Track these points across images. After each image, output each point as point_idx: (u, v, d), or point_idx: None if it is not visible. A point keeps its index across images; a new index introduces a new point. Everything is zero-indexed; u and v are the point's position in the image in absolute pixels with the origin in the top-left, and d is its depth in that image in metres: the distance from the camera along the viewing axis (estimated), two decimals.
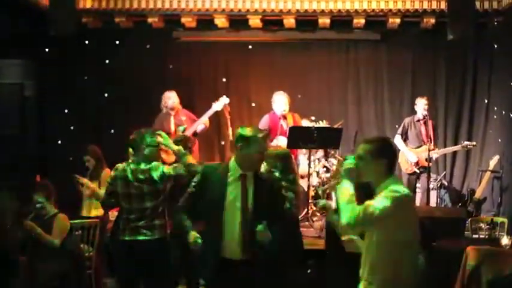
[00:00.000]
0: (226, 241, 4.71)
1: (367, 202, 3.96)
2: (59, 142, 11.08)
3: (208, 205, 4.77)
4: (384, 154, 4.13)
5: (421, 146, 9.75)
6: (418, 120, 9.88)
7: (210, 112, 9.61)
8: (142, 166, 5.85)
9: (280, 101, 9.46)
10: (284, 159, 6.09)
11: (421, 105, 9.75)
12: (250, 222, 4.72)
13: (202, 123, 9.54)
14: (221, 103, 9.61)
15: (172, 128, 9.47)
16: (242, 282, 4.73)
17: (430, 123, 9.73)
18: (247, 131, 4.84)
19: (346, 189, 4.07)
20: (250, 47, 11.41)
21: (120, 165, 5.99)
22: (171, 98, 9.68)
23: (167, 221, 5.94)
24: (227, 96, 10.01)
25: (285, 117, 9.50)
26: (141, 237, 5.82)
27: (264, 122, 9.50)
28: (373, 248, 4.06)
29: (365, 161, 4.12)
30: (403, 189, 4.03)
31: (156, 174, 5.79)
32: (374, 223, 3.95)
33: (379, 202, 3.93)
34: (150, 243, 5.82)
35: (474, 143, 10.26)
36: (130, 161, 5.99)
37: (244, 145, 4.79)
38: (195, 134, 9.48)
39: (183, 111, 9.75)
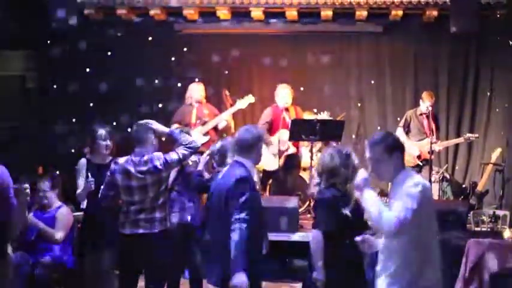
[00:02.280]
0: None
1: (397, 206, 3.97)
2: (61, 134, 11.08)
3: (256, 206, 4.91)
4: (396, 147, 4.18)
5: (423, 139, 9.73)
6: (421, 114, 9.86)
7: (232, 109, 9.51)
8: (145, 157, 5.85)
9: (283, 94, 9.45)
10: None
11: (427, 101, 9.69)
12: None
13: (224, 119, 9.43)
14: (246, 101, 9.51)
15: (193, 120, 9.40)
16: None
17: (431, 115, 9.70)
18: (258, 128, 5.11)
19: (373, 198, 4.07)
20: (252, 39, 11.36)
21: (120, 159, 5.98)
22: (197, 90, 9.58)
23: (167, 214, 5.96)
24: (228, 89, 10.02)
25: (287, 110, 9.49)
26: (140, 231, 5.83)
27: (266, 115, 9.50)
28: (402, 246, 4.05)
29: (383, 161, 4.13)
30: (422, 180, 4.08)
31: (158, 163, 5.79)
32: (411, 223, 3.95)
33: (409, 202, 3.94)
34: (150, 237, 5.82)
35: (476, 135, 10.25)
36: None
37: (262, 142, 5.05)
38: (215, 129, 9.43)
39: (207, 105, 9.66)
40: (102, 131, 6.63)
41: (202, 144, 8.69)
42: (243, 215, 4.60)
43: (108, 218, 6.20)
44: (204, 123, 9.23)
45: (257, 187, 5.06)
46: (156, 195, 5.82)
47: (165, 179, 5.90)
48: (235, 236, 4.56)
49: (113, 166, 5.99)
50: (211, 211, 5.01)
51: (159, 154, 5.88)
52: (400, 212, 3.91)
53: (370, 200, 4.06)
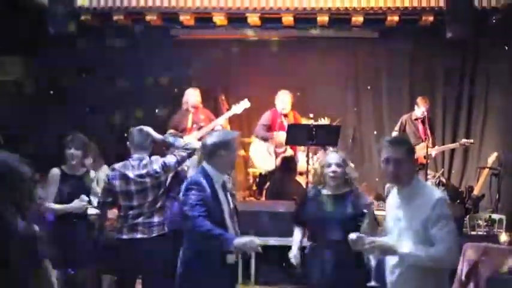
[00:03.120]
0: None
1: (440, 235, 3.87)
2: (57, 139, 11.07)
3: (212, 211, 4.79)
4: (414, 152, 4.18)
5: (418, 144, 9.75)
6: (416, 119, 9.89)
7: (228, 114, 9.56)
8: (144, 161, 5.88)
9: (283, 99, 9.50)
10: None
11: (422, 106, 9.71)
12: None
13: (219, 124, 9.44)
14: (241, 107, 9.55)
15: (189, 125, 9.42)
16: None
17: (426, 120, 9.73)
18: (227, 134, 5.06)
19: (410, 255, 3.91)
20: (248, 45, 11.41)
21: (117, 164, 6.01)
22: (193, 96, 9.62)
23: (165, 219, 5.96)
24: (225, 95, 10.06)
25: (286, 115, 9.53)
26: (138, 236, 5.84)
27: (265, 118, 9.56)
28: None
29: (405, 162, 4.01)
30: (442, 194, 4.09)
31: (157, 166, 5.82)
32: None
33: (447, 222, 3.88)
34: (148, 242, 5.83)
35: (471, 140, 10.28)
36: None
37: (225, 149, 4.84)
38: None
39: (204, 110, 9.69)
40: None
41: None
42: (194, 213, 4.64)
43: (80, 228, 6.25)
44: (199, 128, 9.25)
45: (220, 195, 4.86)
46: (154, 198, 5.85)
47: (164, 183, 5.93)
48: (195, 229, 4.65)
49: (109, 173, 6.02)
50: None
51: (157, 157, 5.91)
52: (449, 242, 3.85)
53: (410, 258, 3.91)
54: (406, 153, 4.03)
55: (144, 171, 5.84)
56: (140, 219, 5.82)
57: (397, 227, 4.03)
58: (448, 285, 4.02)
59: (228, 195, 4.96)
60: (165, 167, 5.84)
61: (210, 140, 4.85)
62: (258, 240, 4.62)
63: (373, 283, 4.06)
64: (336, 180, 5.06)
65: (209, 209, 4.69)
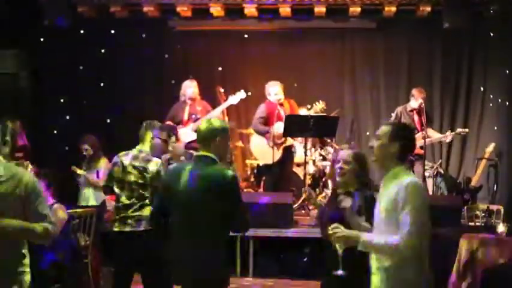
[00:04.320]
0: None
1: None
2: (55, 132, 11.08)
3: None
4: (399, 137, 4.01)
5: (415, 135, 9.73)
6: (411, 110, 9.85)
7: (224, 105, 9.52)
8: (143, 155, 5.90)
9: (274, 91, 9.42)
10: None
11: (418, 97, 9.68)
12: None
13: (215, 116, 9.33)
14: (237, 97, 9.50)
15: (186, 117, 9.40)
16: None
17: (422, 110, 9.69)
18: (223, 122, 4.90)
19: (371, 243, 3.90)
20: (246, 36, 11.42)
21: (121, 152, 6.07)
22: (190, 87, 9.54)
23: None
24: (222, 86, 10.03)
25: (281, 104, 9.49)
26: (127, 229, 5.86)
27: (261, 110, 9.50)
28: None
29: (387, 146, 3.98)
30: (415, 179, 3.92)
31: (151, 168, 5.86)
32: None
33: (413, 208, 3.76)
34: (136, 235, 5.85)
35: (466, 130, 10.24)
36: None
37: (224, 135, 4.64)
38: None
39: (201, 102, 9.62)
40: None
41: (193, 141, 8.78)
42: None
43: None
44: (196, 120, 9.22)
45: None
46: (142, 193, 5.88)
47: (150, 184, 5.90)
48: None
49: (114, 158, 6.10)
50: None
51: (158, 161, 5.94)
52: (410, 230, 3.74)
53: (371, 246, 3.91)
54: (389, 136, 4.00)
55: (139, 164, 5.88)
56: (129, 212, 5.84)
57: (377, 216, 4.02)
58: (430, 275, 3.94)
59: None
60: (154, 176, 5.85)
61: (204, 126, 4.62)
62: None
63: (340, 272, 4.06)
64: (343, 177, 4.84)
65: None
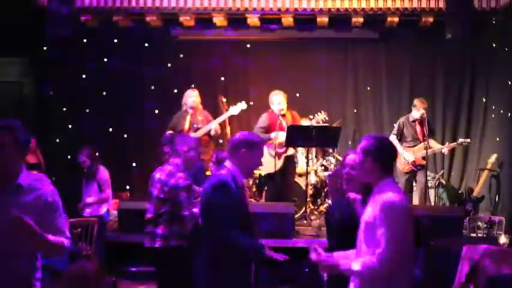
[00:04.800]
0: None
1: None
2: (57, 140, 11.09)
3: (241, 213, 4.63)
4: (370, 153, 3.92)
5: (416, 145, 9.73)
6: (414, 121, 9.83)
7: (224, 116, 9.52)
8: (169, 168, 5.86)
9: (277, 101, 9.41)
10: None
11: (420, 108, 9.66)
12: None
13: (213, 128, 9.33)
14: (238, 108, 9.51)
15: (187, 126, 9.40)
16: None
17: (424, 121, 9.69)
18: (253, 136, 4.81)
19: (345, 269, 3.81)
20: (248, 45, 11.44)
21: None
22: (192, 97, 9.52)
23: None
24: (225, 96, 10.05)
25: (283, 115, 9.48)
26: (147, 245, 5.84)
27: (263, 120, 9.49)
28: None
29: (363, 163, 3.92)
30: (392, 197, 3.78)
31: (171, 181, 5.76)
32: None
33: (388, 228, 3.69)
34: (152, 252, 5.82)
35: (468, 140, 10.23)
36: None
37: (249, 149, 4.63)
38: (210, 136, 9.40)
39: (203, 111, 9.60)
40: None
41: None
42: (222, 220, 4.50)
43: None
44: (196, 130, 9.23)
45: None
46: (159, 209, 5.79)
47: (167, 198, 5.80)
48: None
49: None
50: None
51: (180, 176, 5.82)
52: (384, 249, 3.67)
53: (351, 273, 3.85)
54: (361, 153, 3.95)
55: (164, 178, 5.80)
56: (149, 228, 5.83)
57: (361, 224, 3.95)
58: None
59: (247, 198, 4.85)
60: (173, 189, 5.74)
61: (236, 136, 4.70)
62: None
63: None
64: (350, 183, 4.72)
65: (236, 212, 4.53)
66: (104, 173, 8.45)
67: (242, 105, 9.54)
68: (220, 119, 9.46)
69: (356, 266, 3.74)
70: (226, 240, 4.46)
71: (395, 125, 10.01)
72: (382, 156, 3.95)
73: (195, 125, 9.32)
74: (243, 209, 4.63)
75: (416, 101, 9.79)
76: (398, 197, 3.80)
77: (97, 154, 8.87)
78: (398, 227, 3.70)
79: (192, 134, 9.22)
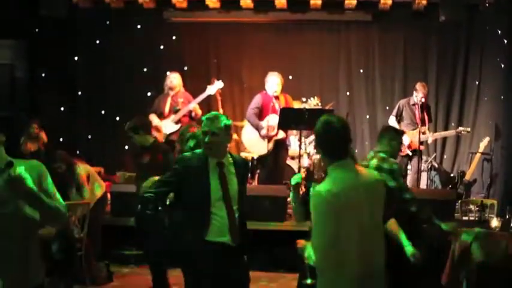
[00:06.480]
0: (215, 228, 4.53)
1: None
2: (50, 123, 11.04)
3: (193, 195, 4.55)
4: (320, 137, 3.88)
5: (415, 129, 9.72)
6: (414, 104, 9.80)
7: (202, 96, 9.51)
8: None
9: (272, 82, 9.38)
10: None
11: (420, 92, 9.62)
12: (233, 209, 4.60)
13: (191, 107, 9.36)
14: (215, 87, 9.52)
15: (167, 109, 9.38)
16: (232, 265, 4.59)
17: (424, 106, 9.68)
18: (228, 119, 4.70)
19: None
20: (241, 27, 11.37)
21: None
22: (170, 78, 9.54)
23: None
24: (218, 78, 10.00)
25: (277, 98, 9.46)
26: None
27: (256, 101, 9.46)
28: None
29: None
30: (320, 188, 3.62)
31: None
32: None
33: (315, 222, 3.59)
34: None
35: (468, 129, 10.18)
36: None
37: (225, 133, 4.63)
38: (191, 118, 9.40)
39: (184, 93, 9.58)
40: None
41: (174, 133, 8.93)
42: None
43: None
44: (176, 112, 9.23)
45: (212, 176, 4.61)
46: None
47: None
48: None
49: None
50: None
51: None
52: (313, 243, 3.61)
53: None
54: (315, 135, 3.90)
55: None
56: None
57: None
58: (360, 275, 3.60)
59: (231, 178, 4.66)
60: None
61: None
62: None
63: (308, 281, 4.05)
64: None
65: (183, 189, 4.54)
66: (83, 168, 8.09)
67: (219, 84, 9.53)
68: (198, 99, 9.43)
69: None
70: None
71: (395, 107, 9.99)
72: (322, 140, 3.85)
73: (175, 107, 9.30)
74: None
75: (418, 85, 9.72)
76: (328, 186, 3.61)
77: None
78: (320, 219, 3.58)
79: (172, 116, 9.22)
